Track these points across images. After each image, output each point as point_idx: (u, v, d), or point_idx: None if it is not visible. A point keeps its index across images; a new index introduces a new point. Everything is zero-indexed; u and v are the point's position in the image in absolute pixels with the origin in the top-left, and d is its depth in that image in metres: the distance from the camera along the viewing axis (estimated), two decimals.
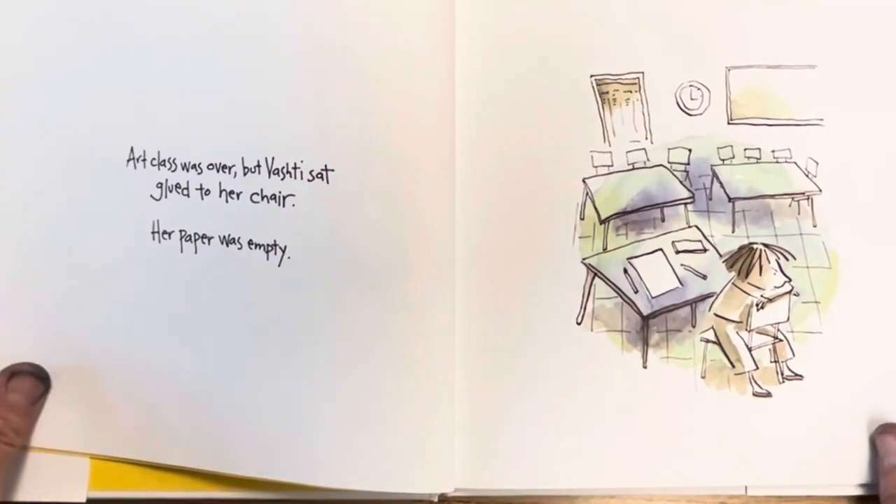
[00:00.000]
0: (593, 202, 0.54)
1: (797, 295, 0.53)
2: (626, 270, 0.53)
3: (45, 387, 0.49)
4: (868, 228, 0.54)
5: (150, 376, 0.50)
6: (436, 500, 0.51)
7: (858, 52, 0.55)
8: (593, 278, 0.53)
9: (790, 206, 0.54)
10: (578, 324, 0.53)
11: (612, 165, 0.54)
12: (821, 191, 0.54)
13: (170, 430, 0.49)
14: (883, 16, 0.56)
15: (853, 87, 0.55)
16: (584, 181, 0.54)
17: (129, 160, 0.51)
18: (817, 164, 0.54)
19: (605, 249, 0.54)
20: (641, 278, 0.53)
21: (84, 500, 0.50)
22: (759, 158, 0.55)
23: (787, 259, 0.54)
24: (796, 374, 0.52)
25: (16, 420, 0.48)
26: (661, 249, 0.54)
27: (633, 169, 0.55)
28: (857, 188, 0.54)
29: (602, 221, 0.54)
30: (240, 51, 0.52)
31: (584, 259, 0.53)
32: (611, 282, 0.53)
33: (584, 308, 0.53)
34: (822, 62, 0.55)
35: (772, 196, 0.54)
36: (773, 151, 0.55)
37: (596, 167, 0.54)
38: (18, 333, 0.50)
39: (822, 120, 0.55)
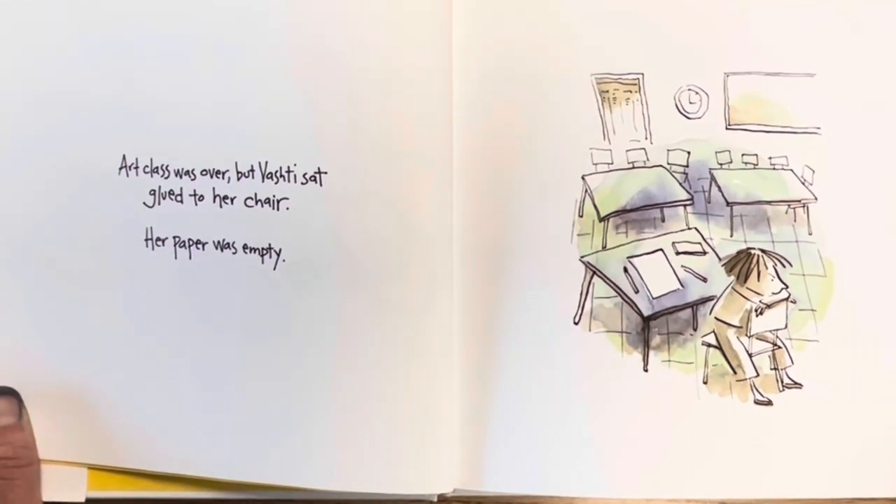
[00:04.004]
0: (592, 199, 0.54)
1: (794, 302, 0.53)
2: (626, 269, 0.53)
3: (17, 397, 0.48)
4: (863, 237, 0.54)
5: (145, 385, 0.49)
6: (435, 500, 0.51)
7: (857, 61, 0.55)
8: (592, 276, 0.53)
9: (786, 213, 0.54)
10: (576, 323, 0.52)
11: (611, 163, 0.54)
12: (816, 199, 0.54)
13: (166, 438, 0.49)
14: (882, 26, 0.56)
15: (851, 97, 0.55)
16: (583, 178, 0.54)
17: (121, 168, 0.50)
18: (813, 172, 0.54)
19: (604, 247, 0.53)
20: (642, 278, 0.53)
21: (83, 500, 0.49)
22: (757, 164, 0.54)
23: (783, 265, 0.53)
24: (795, 383, 0.52)
25: (19, 438, 0.47)
26: (661, 250, 0.53)
27: (633, 168, 0.54)
28: (853, 197, 0.54)
29: (601, 219, 0.53)
30: (231, 56, 0.51)
31: (582, 257, 0.53)
32: (610, 280, 0.53)
33: (582, 307, 0.52)
34: (821, 71, 0.55)
35: (769, 202, 0.54)
36: (770, 158, 0.55)
37: (595, 164, 0.54)
38: (9, 345, 0.50)
39: (819, 128, 0.55)
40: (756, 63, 0.55)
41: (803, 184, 0.54)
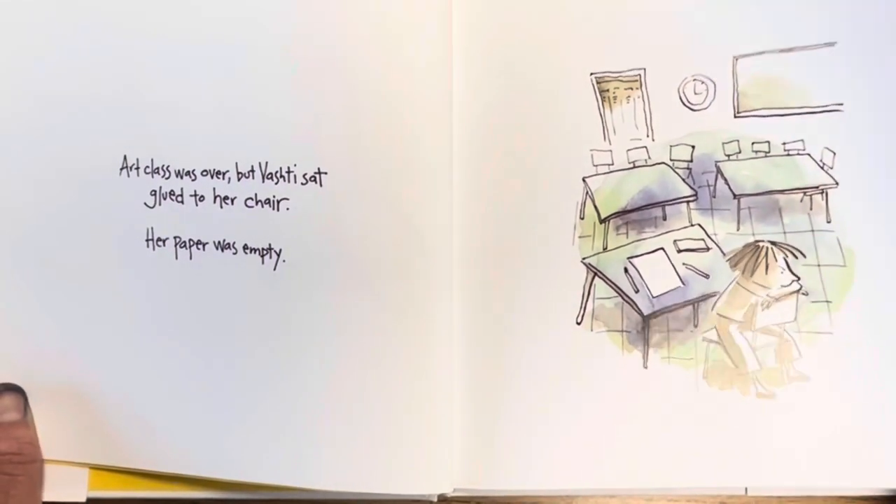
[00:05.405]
0: (593, 201, 0.53)
1: (806, 294, 0.52)
2: (626, 270, 0.53)
3: (23, 394, 0.50)
4: (890, 224, 0.52)
5: (146, 385, 0.50)
6: (435, 500, 0.52)
7: (882, 24, 0.52)
8: (593, 278, 0.52)
9: (801, 201, 0.52)
10: (578, 324, 0.52)
11: (612, 164, 0.53)
12: (837, 183, 0.52)
13: (167, 437, 0.50)
14: None
15: (878, 66, 0.52)
16: (583, 180, 0.53)
17: (122, 168, 0.51)
18: (834, 154, 0.52)
19: (605, 249, 0.53)
20: (642, 278, 0.52)
21: (84, 500, 0.51)
22: (769, 152, 0.53)
23: (795, 257, 0.52)
24: (802, 375, 0.51)
25: (24, 434, 0.49)
26: (662, 248, 0.53)
27: (634, 167, 0.53)
28: (880, 179, 0.52)
29: (602, 221, 0.53)
30: (231, 57, 0.51)
31: (584, 258, 0.53)
32: (611, 281, 0.52)
33: (584, 308, 0.52)
34: (843, 38, 0.53)
35: (781, 191, 0.53)
36: (783, 144, 0.53)
37: (596, 166, 0.53)
38: (9, 344, 0.51)
39: (841, 105, 0.52)
40: (768, 41, 0.53)
41: (822, 168, 0.52)
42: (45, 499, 0.49)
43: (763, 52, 0.53)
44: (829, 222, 0.52)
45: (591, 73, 0.54)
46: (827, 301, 0.52)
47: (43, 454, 0.50)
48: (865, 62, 0.52)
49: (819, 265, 0.52)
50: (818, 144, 0.53)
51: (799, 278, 0.52)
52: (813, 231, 0.52)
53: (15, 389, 0.49)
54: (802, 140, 0.53)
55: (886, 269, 0.52)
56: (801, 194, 0.53)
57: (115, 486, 0.50)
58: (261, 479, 0.50)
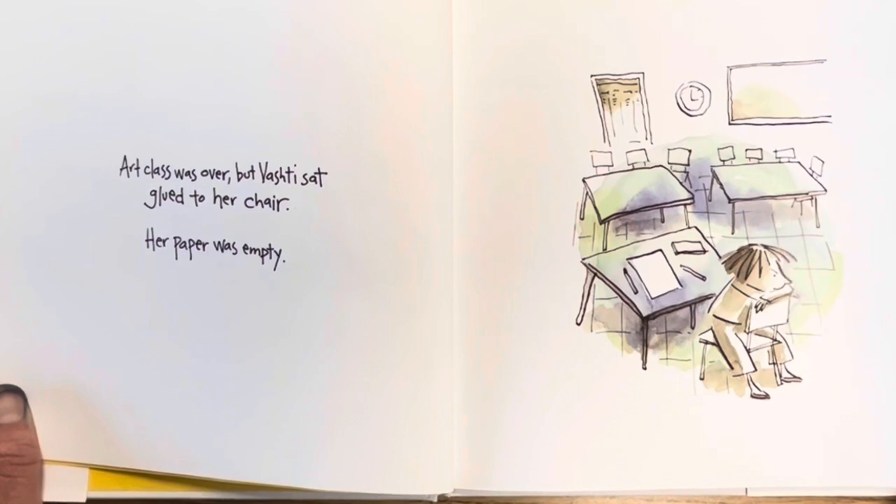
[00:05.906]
0: (593, 202, 0.53)
1: (797, 297, 0.53)
2: (625, 271, 0.53)
3: (22, 395, 0.49)
4: (876, 229, 0.53)
5: (146, 385, 0.50)
6: (435, 500, 0.52)
7: (871, 43, 0.54)
8: (593, 278, 0.53)
9: (792, 206, 0.53)
10: (578, 324, 0.53)
11: (612, 165, 0.54)
12: (826, 190, 0.53)
13: (166, 438, 0.50)
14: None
15: (864, 81, 0.54)
16: (583, 181, 0.54)
17: (122, 169, 0.51)
18: (823, 162, 0.53)
19: (604, 250, 0.53)
20: (641, 279, 0.53)
21: (84, 501, 0.50)
22: (761, 159, 0.54)
23: (787, 260, 0.53)
24: (794, 376, 0.52)
25: (24, 436, 0.48)
26: (660, 250, 0.53)
27: (633, 169, 0.54)
28: (866, 187, 0.53)
29: (602, 221, 0.53)
30: (231, 57, 0.51)
31: (583, 259, 0.53)
32: (610, 282, 0.53)
33: (584, 308, 0.53)
34: (833, 56, 0.54)
35: (773, 197, 0.54)
36: (775, 151, 0.54)
37: (596, 167, 0.54)
38: (10, 344, 0.50)
39: (829, 117, 0.54)
40: (761, 54, 0.54)
41: (811, 175, 0.53)
42: (45, 499, 0.49)
43: (756, 64, 0.54)
44: (818, 227, 0.53)
45: (592, 75, 0.54)
46: (817, 304, 0.52)
47: (43, 455, 0.49)
48: (853, 78, 0.54)
49: (809, 269, 0.53)
50: (808, 153, 0.54)
51: (791, 281, 0.53)
52: (803, 236, 0.53)
53: (14, 391, 0.49)
54: (793, 148, 0.54)
55: (873, 273, 0.53)
56: (792, 200, 0.54)
57: (115, 487, 0.50)
58: (261, 480, 0.49)
